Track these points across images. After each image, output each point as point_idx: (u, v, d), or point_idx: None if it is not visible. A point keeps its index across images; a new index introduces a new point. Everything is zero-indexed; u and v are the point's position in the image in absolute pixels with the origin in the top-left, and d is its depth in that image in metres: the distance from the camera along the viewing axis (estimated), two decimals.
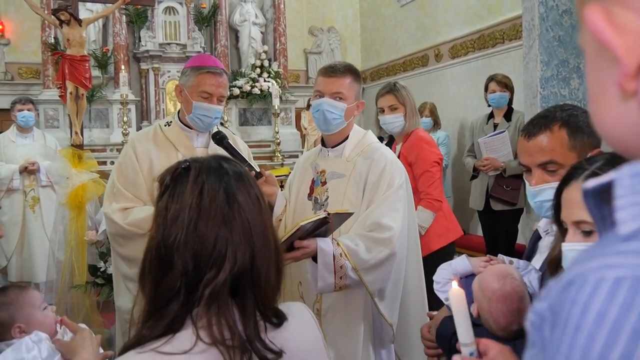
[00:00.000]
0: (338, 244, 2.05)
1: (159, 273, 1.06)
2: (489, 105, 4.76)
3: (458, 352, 1.52)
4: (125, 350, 1.03)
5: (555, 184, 1.44)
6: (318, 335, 1.19)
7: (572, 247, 1.08)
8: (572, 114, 1.53)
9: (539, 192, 1.52)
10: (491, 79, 4.66)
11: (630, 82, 0.43)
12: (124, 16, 6.93)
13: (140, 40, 7.08)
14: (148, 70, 7.07)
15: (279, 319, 1.10)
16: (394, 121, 3.26)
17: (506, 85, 4.56)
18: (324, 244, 2.02)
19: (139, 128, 7.05)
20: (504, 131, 4.46)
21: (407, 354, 2.33)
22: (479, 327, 1.51)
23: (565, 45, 3.37)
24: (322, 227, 2.00)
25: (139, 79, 7.15)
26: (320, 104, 2.23)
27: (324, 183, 2.32)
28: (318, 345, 1.17)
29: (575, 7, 3.33)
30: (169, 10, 7.17)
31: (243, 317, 1.05)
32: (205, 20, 7.34)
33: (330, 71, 2.25)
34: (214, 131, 2.46)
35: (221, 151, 2.40)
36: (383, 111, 3.29)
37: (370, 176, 2.22)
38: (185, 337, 1.01)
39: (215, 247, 1.05)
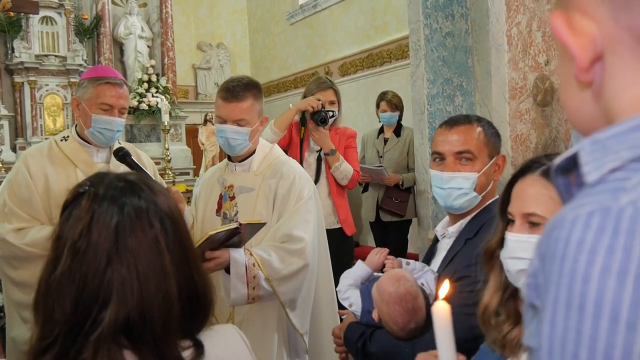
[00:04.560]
0: (251, 254, 2.05)
1: (46, 312, 0.94)
2: (380, 121, 4.98)
3: (365, 353, 1.61)
4: None
5: (468, 174, 1.60)
6: (241, 357, 1.09)
7: (517, 238, 1.11)
8: (486, 121, 1.73)
9: (451, 178, 1.65)
10: (382, 97, 4.87)
11: (584, 75, 0.54)
12: None
13: (13, 51, 6.58)
14: (23, 83, 6.58)
15: (197, 353, 0.99)
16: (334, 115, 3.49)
17: (396, 105, 4.80)
18: (237, 254, 2.00)
19: (12, 146, 6.53)
20: (382, 167, 4.70)
21: None
22: (381, 329, 1.61)
23: (449, 65, 3.62)
24: (235, 238, 1.98)
25: (12, 92, 6.65)
26: (224, 131, 2.20)
27: (233, 198, 2.31)
28: None
29: (456, 30, 3.61)
30: (47, 20, 6.74)
31: None
32: (88, 32, 7.00)
33: (231, 96, 2.19)
34: (115, 147, 2.35)
35: (124, 168, 2.30)
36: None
37: (279, 189, 2.24)
38: None
39: (99, 292, 0.93)
